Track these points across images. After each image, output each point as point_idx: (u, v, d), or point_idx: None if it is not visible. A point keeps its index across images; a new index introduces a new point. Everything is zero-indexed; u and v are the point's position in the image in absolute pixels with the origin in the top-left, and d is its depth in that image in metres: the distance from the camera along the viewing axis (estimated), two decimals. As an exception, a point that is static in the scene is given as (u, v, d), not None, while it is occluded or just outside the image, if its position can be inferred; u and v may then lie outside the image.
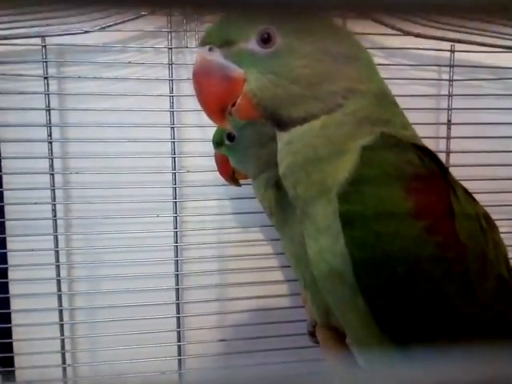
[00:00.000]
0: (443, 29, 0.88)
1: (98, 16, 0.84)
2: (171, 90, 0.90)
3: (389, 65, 0.94)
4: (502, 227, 0.55)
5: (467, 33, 0.89)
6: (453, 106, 0.95)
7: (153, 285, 0.93)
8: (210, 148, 0.80)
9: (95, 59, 0.89)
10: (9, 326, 0.93)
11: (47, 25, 0.84)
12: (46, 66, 0.87)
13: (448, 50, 0.93)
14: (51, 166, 0.89)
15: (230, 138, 0.75)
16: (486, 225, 0.46)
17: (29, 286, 0.91)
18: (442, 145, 0.95)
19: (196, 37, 0.87)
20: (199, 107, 0.51)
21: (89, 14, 0.84)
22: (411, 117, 0.53)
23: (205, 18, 0.90)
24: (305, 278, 0.70)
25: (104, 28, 0.85)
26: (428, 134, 0.94)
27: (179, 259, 0.94)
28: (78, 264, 0.95)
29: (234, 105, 0.49)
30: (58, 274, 0.91)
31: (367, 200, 0.41)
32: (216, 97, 0.49)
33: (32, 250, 0.90)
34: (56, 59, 0.89)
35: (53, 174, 0.89)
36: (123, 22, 0.85)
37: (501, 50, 0.92)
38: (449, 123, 0.95)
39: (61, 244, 0.92)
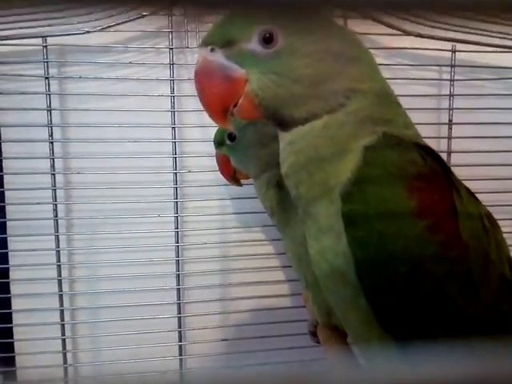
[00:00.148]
0: (444, 29, 0.88)
1: (99, 16, 0.84)
2: (172, 90, 0.90)
3: (390, 65, 0.94)
4: (504, 227, 0.55)
5: (468, 33, 0.89)
6: (454, 106, 0.95)
7: (154, 285, 0.93)
8: (211, 148, 0.80)
9: (96, 59, 0.89)
10: (10, 326, 0.93)
11: (48, 25, 0.84)
12: (47, 67, 0.87)
13: (449, 50, 0.93)
14: (52, 166, 0.89)
15: (231, 137, 0.75)
16: (488, 224, 0.46)
17: (30, 286, 0.91)
18: (443, 145, 0.95)
19: (197, 37, 0.87)
20: (200, 107, 0.51)
21: (90, 15, 0.84)
22: (412, 117, 0.53)
23: (206, 18, 0.90)
24: (306, 277, 0.70)
25: (105, 28, 0.85)
26: (429, 134, 0.94)
27: (180, 259, 0.94)
28: (79, 264, 0.95)
29: (235, 105, 0.49)
30: (60, 274, 0.91)
31: (370, 200, 0.41)
32: (218, 97, 0.49)
33: (33, 250, 0.90)
34: (57, 59, 0.89)
35: (54, 174, 0.89)
36: (124, 22, 0.85)
37: (502, 49, 0.92)
38: (450, 123, 0.95)
39: (62, 244, 0.92)
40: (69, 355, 0.94)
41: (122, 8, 0.79)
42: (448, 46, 0.93)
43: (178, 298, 0.95)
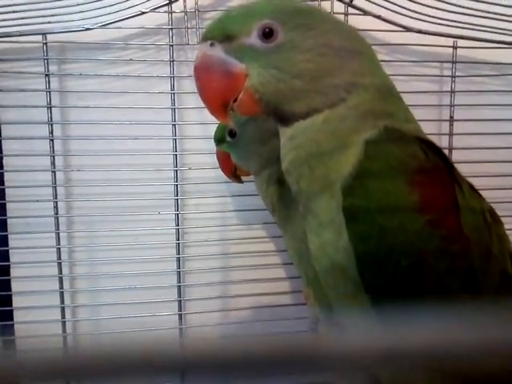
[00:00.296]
0: (445, 25, 0.88)
1: (99, 13, 0.84)
2: (172, 87, 0.89)
3: (391, 61, 0.94)
4: (506, 224, 0.54)
5: (470, 29, 0.89)
6: (455, 103, 0.94)
7: (155, 282, 0.93)
8: (211, 145, 0.80)
9: (96, 56, 0.89)
10: (11, 323, 0.93)
11: (48, 22, 0.84)
12: (47, 64, 0.87)
13: (450, 47, 0.93)
14: (53, 163, 0.89)
15: (232, 134, 0.74)
16: (490, 219, 0.46)
17: (31, 284, 0.91)
18: (445, 141, 0.95)
19: (197, 34, 0.86)
20: (201, 104, 0.51)
21: (90, 11, 0.84)
22: (414, 113, 0.53)
23: (206, 15, 0.90)
24: (307, 274, 0.70)
25: (105, 25, 0.84)
26: (430, 131, 0.94)
27: (181, 256, 0.94)
28: (79, 261, 0.95)
29: (235, 100, 0.48)
30: (60, 272, 0.91)
31: (371, 194, 0.41)
32: (217, 92, 0.48)
33: (34, 248, 0.90)
34: (57, 56, 0.89)
35: (54, 172, 0.89)
36: (124, 19, 0.85)
37: (503, 46, 0.92)
38: (451, 120, 0.95)
39: (62, 241, 0.92)
40: (70, 353, 0.94)
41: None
42: (449, 42, 0.92)
43: (179, 295, 0.95)
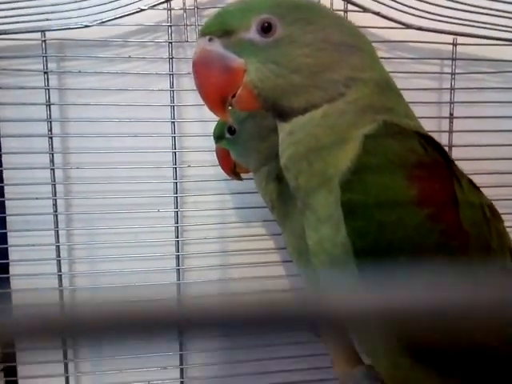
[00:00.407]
0: (445, 22, 0.88)
1: (98, 10, 0.84)
2: (171, 85, 0.89)
3: (390, 58, 0.93)
4: (506, 222, 0.54)
5: (470, 25, 0.89)
6: (455, 100, 0.94)
7: (154, 280, 0.93)
8: (210, 142, 0.80)
9: (95, 54, 0.89)
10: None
11: (47, 19, 0.84)
12: (46, 61, 0.87)
13: (450, 44, 0.93)
14: (52, 160, 0.89)
15: (231, 131, 0.74)
16: (489, 214, 0.46)
17: (30, 281, 0.91)
18: (445, 139, 0.94)
19: (196, 31, 0.86)
20: (200, 102, 0.51)
21: (88, 9, 0.84)
22: (413, 110, 0.52)
23: (205, 12, 0.89)
24: (306, 271, 0.70)
25: (104, 22, 0.84)
26: (430, 128, 0.93)
27: (180, 254, 0.94)
28: (78, 259, 0.95)
29: (234, 96, 0.48)
30: (59, 269, 0.91)
31: (369, 189, 0.41)
32: (216, 88, 0.48)
33: (33, 245, 0.90)
34: (56, 54, 0.89)
35: (53, 169, 0.89)
36: (123, 16, 0.84)
37: (503, 43, 0.91)
38: (451, 117, 0.94)
39: (62, 239, 0.92)
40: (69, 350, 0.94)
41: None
42: (449, 39, 0.92)
43: (179, 292, 0.94)
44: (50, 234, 0.90)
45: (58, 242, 0.90)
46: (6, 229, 0.91)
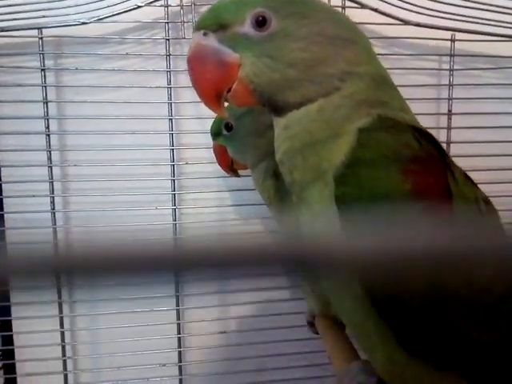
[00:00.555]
0: (443, 18, 0.88)
1: (95, 7, 0.84)
2: (169, 82, 0.89)
3: (388, 54, 0.93)
4: (504, 218, 0.54)
5: (468, 22, 0.88)
6: (453, 96, 0.94)
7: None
8: (208, 139, 0.80)
9: (92, 51, 0.89)
10: (9, 318, 0.93)
11: (44, 16, 0.84)
12: (43, 58, 0.87)
13: (448, 40, 0.92)
14: (49, 158, 0.89)
15: (228, 127, 0.74)
16: (484, 208, 0.45)
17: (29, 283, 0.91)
18: (443, 135, 0.94)
19: (193, 27, 0.86)
20: (197, 98, 0.50)
21: (86, 5, 0.84)
22: (411, 107, 0.52)
23: (202, 9, 0.89)
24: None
25: (101, 19, 0.84)
26: (428, 124, 0.92)
27: (178, 251, 0.94)
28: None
29: (229, 91, 0.48)
30: (57, 267, 0.91)
31: (363, 182, 0.41)
32: (211, 82, 0.48)
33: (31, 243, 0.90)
34: (53, 51, 0.89)
35: (51, 167, 0.89)
36: (120, 13, 0.84)
37: (502, 39, 0.91)
38: (449, 113, 0.94)
39: (59, 237, 0.91)
40: (67, 347, 0.94)
41: None
42: (447, 35, 0.92)
43: (177, 290, 0.94)
44: (48, 232, 0.90)
45: (56, 239, 0.90)
46: (3, 226, 0.91)
